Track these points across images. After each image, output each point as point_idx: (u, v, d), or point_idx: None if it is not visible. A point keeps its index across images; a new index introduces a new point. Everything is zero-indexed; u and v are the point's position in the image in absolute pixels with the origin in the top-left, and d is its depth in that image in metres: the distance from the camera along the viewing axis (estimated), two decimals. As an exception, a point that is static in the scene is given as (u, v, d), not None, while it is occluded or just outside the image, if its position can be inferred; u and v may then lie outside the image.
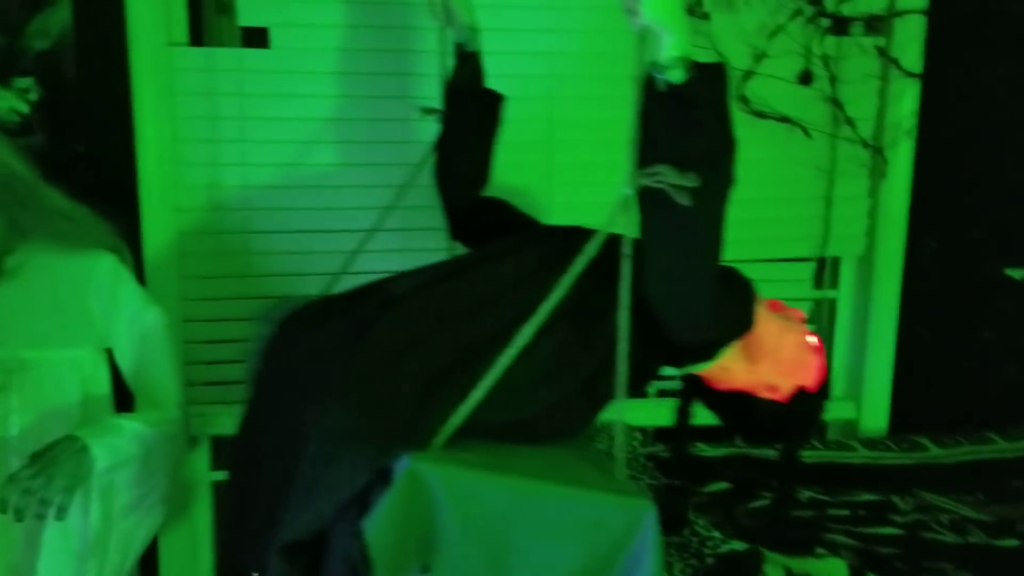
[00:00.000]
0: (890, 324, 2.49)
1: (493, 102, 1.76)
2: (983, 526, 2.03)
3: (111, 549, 1.68)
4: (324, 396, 1.28)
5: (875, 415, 2.53)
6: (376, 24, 2.12)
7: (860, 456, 2.34)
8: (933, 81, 2.36)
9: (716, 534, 1.88)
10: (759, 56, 2.25)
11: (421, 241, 2.16)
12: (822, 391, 1.59)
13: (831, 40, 2.30)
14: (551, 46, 2.21)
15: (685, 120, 1.18)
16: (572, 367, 1.34)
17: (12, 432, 1.69)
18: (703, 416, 1.67)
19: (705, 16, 2.18)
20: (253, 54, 2.10)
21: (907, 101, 2.35)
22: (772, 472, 2.20)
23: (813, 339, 1.58)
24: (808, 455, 2.30)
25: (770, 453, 2.29)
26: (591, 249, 1.23)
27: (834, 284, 2.55)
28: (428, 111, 1.83)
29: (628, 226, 1.23)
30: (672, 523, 1.89)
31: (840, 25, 2.29)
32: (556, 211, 2.25)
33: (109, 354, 1.83)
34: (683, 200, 1.17)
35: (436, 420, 1.23)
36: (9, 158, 1.60)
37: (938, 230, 2.47)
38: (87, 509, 1.60)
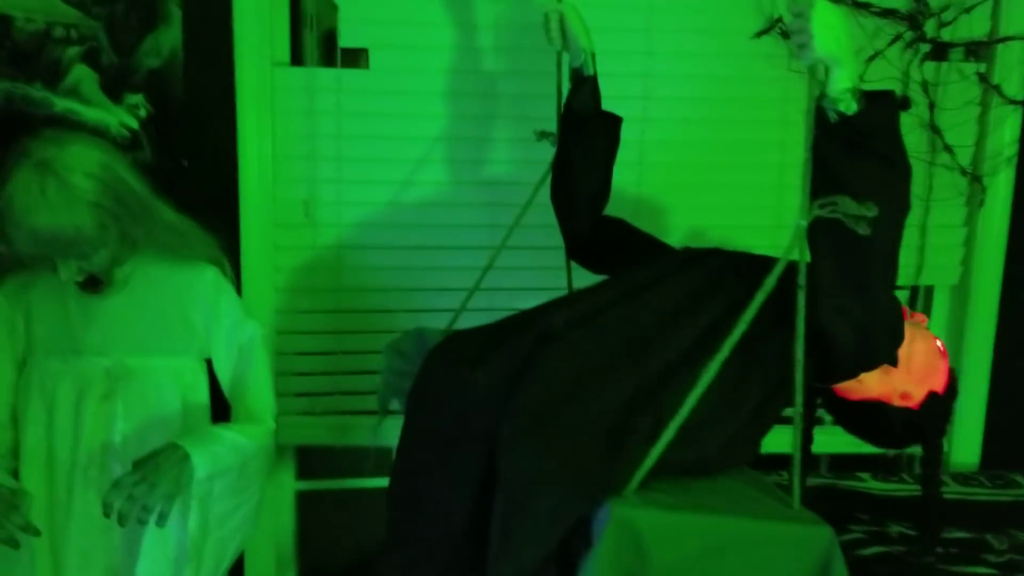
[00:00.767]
0: (984, 355, 2.43)
1: (611, 124, 1.78)
2: (1082, 568, 1.96)
3: (206, 556, 1.71)
4: (504, 442, 1.26)
5: (967, 449, 2.47)
6: (472, 46, 2.14)
7: (951, 491, 2.28)
8: (1036, 108, 2.30)
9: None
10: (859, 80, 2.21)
11: (537, 259, 2.16)
12: (950, 394, 1.58)
13: (930, 66, 2.25)
14: (643, 69, 2.21)
15: (861, 150, 1.18)
16: (743, 398, 1.33)
17: (116, 438, 1.75)
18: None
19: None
20: (352, 74, 2.14)
21: (1008, 128, 2.30)
22: (861, 505, 2.15)
23: (940, 343, 1.58)
24: (899, 489, 2.25)
25: (860, 485, 2.24)
26: (770, 282, 1.22)
27: (927, 313, 2.50)
28: (543, 135, 1.86)
29: (803, 255, 1.24)
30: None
31: (940, 51, 2.25)
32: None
33: (208, 364, 1.88)
34: (863, 230, 1.17)
35: (628, 462, 1.22)
36: (125, 173, 1.65)
37: (1036, 260, 2.41)
38: (186, 516, 1.64)
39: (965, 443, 2.47)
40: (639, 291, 1.46)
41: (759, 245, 1.71)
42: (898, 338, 1.43)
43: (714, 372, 1.22)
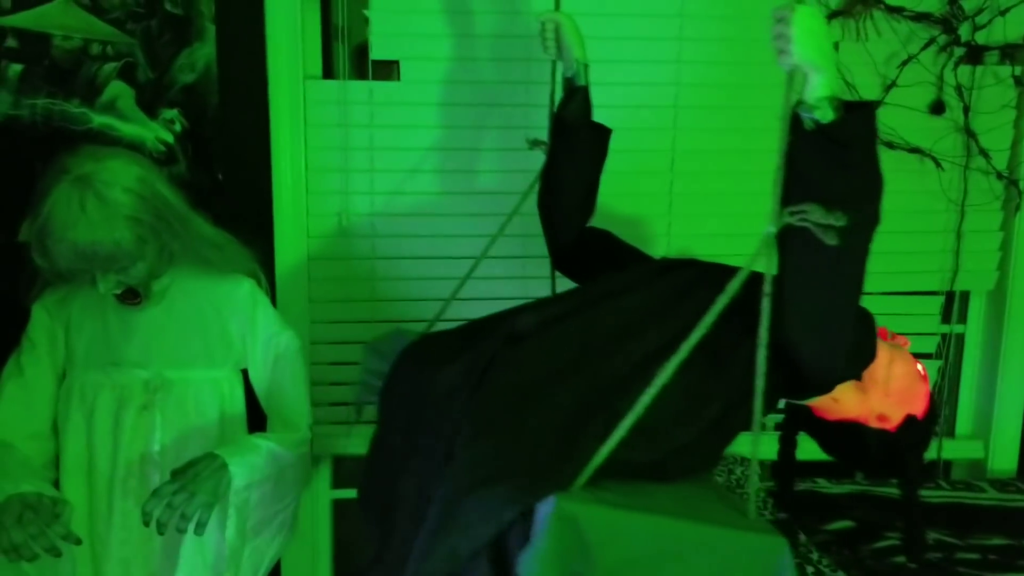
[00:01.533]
0: (1021, 361, 2.41)
1: (600, 135, 1.77)
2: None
3: (244, 564, 1.73)
4: (458, 437, 1.28)
5: (1005, 455, 2.45)
6: (501, 57, 2.16)
7: (989, 498, 2.25)
8: (1072, 111, 2.27)
9: (841, 574, 1.83)
10: (889, 86, 2.20)
11: (532, 268, 2.19)
12: (930, 419, 1.57)
13: (965, 69, 2.24)
14: (674, 77, 2.21)
15: (833, 159, 1.17)
16: (704, 405, 1.33)
17: (154, 448, 1.77)
18: (817, 451, 1.65)
19: (834, 46, 2.15)
20: (383, 87, 2.16)
21: (1045, 132, 2.28)
22: (897, 511, 2.13)
23: (920, 367, 1.57)
24: (935, 495, 2.22)
25: (895, 492, 2.22)
26: (734, 286, 1.21)
27: (963, 319, 2.47)
28: (535, 143, 1.86)
29: (770, 264, 1.22)
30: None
31: (975, 54, 2.23)
32: (674, 241, 2.26)
33: (244, 375, 1.90)
34: (830, 239, 1.16)
35: (576, 460, 1.22)
36: (162, 187, 1.67)
37: (1074, 265, 2.37)
38: (224, 525, 1.65)
39: (1002, 449, 2.44)
40: (608, 297, 1.47)
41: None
42: (863, 353, 1.43)
43: (669, 375, 1.21)
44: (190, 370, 1.81)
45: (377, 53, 2.13)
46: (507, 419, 1.28)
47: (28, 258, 1.62)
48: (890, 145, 2.22)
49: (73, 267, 1.60)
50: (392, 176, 2.18)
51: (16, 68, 1.97)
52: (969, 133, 2.26)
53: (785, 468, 1.92)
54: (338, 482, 2.37)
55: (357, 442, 2.25)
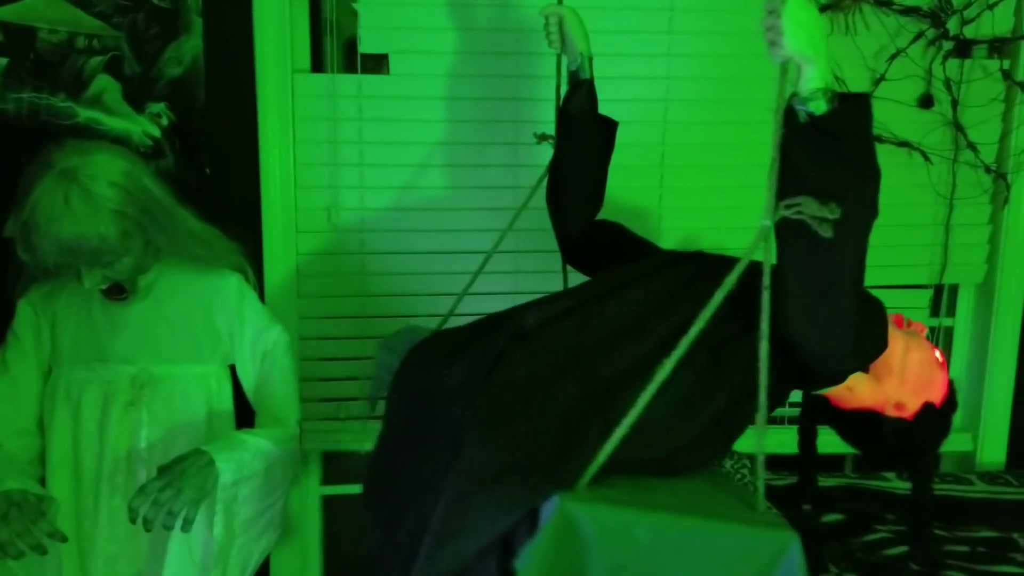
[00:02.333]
0: (1010, 354, 2.41)
1: (606, 128, 1.76)
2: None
3: (232, 561, 1.72)
4: (465, 435, 1.27)
5: (993, 448, 2.45)
6: (493, 51, 2.15)
7: (978, 490, 2.26)
8: (1060, 105, 2.27)
9: (831, 567, 1.84)
10: (878, 80, 2.20)
11: (535, 263, 2.19)
12: (948, 407, 1.57)
13: (954, 63, 2.24)
14: (665, 71, 2.20)
15: (828, 151, 1.16)
16: (707, 400, 1.32)
17: (141, 445, 1.76)
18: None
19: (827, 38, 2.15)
20: (372, 80, 2.14)
21: (1033, 125, 2.28)
22: (888, 505, 2.14)
23: (938, 354, 1.56)
24: (924, 489, 2.23)
25: (885, 485, 2.23)
26: (731, 280, 1.20)
27: (952, 312, 2.48)
28: (542, 137, 1.85)
29: (768, 256, 1.22)
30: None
31: (963, 48, 2.23)
32: (665, 236, 2.25)
33: (232, 370, 1.89)
34: (825, 232, 1.15)
35: (579, 459, 1.22)
36: (149, 181, 1.66)
37: (1062, 257, 2.38)
38: (211, 522, 1.64)
39: (991, 442, 2.45)
40: (611, 292, 1.46)
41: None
42: (873, 343, 1.42)
43: (668, 371, 1.21)
44: (177, 366, 1.80)
45: (366, 47, 2.12)
46: (510, 418, 1.27)
47: (13, 253, 1.61)
48: (879, 139, 2.21)
49: (58, 262, 1.59)
50: (381, 170, 2.17)
51: (1, 62, 1.96)
52: (957, 127, 2.26)
53: (805, 460, 1.90)
54: (327, 478, 2.36)
55: (346, 438, 2.24)
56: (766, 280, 1.20)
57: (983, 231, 2.36)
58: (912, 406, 1.53)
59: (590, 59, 1.72)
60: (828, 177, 1.17)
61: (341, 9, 2.15)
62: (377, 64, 2.16)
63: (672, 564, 1.17)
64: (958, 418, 2.46)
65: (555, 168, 1.81)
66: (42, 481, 1.75)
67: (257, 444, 1.70)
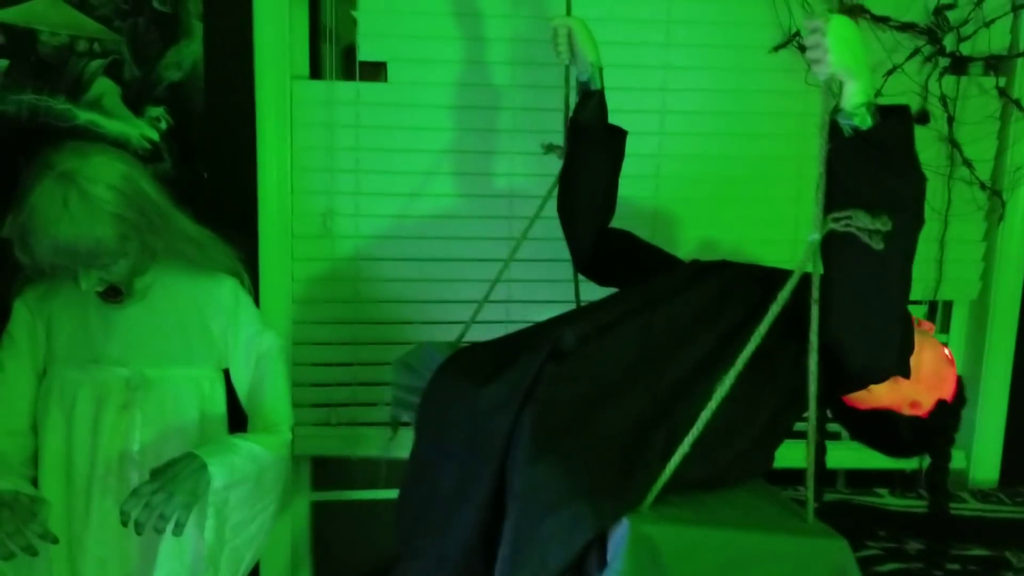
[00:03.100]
0: (1004, 371, 2.41)
1: (616, 138, 1.77)
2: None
3: (222, 566, 1.72)
4: (515, 461, 1.27)
5: (986, 466, 2.45)
6: (489, 60, 2.16)
7: (970, 508, 2.26)
8: (1055, 123, 2.28)
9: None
10: (874, 95, 2.21)
11: (545, 272, 2.19)
12: (959, 401, 1.58)
13: (950, 80, 2.25)
14: (662, 83, 2.21)
15: (875, 164, 1.18)
16: (757, 410, 1.34)
17: (134, 447, 1.76)
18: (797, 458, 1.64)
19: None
20: (370, 87, 2.15)
21: (1028, 143, 2.29)
22: (879, 521, 2.14)
23: (947, 351, 1.58)
24: (916, 505, 2.23)
25: (877, 501, 2.23)
26: (784, 294, 1.21)
27: (945, 328, 2.48)
28: (550, 147, 1.86)
29: (816, 269, 1.24)
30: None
31: (959, 65, 2.24)
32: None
33: (226, 374, 1.89)
34: (876, 244, 1.16)
35: (643, 478, 1.22)
36: (146, 185, 1.67)
37: (1057, 275, 2.39)
38: (202, 526, 1.64)
39: (984, 460, 2.45)
40: (652, 304, 1.45)
41: (775, 258, 1.71)
42: (909, 350, 1.43)
43: (728, 386, 1.21)
44: (171, 368, 1.80)
45: (365, 54, 2.13)
46: (565, 439, 1.26)
47: (9, 254, 1.61)
48: (874, 154, 2.23)
49: (55, 263, 1.59)
50: (377, 177, 2.18)
51: (2, 63, 1.96)
52: (953, 143, 2.27)
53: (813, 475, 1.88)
54: (318, 484, 2.36)
55: (337, 444, 2.24)
56: (815, 293, 1.22)
57: (978, 248, 2.37)
58: (927, 404, 1.54)
59: (600, 69, 1.74)
60: (878, 189, 1.18)
61: (340, 16, 2.16)
62: (375, 72, 2.17)
63: None
64: (950, 434, 2.49)
65: (565, 178, 1.82)
66: (34, 482, 1.74)
67: (249, 448, 1.70)
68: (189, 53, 2.02)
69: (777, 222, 2.27)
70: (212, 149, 2.07)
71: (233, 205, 2.10)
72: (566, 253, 1.88)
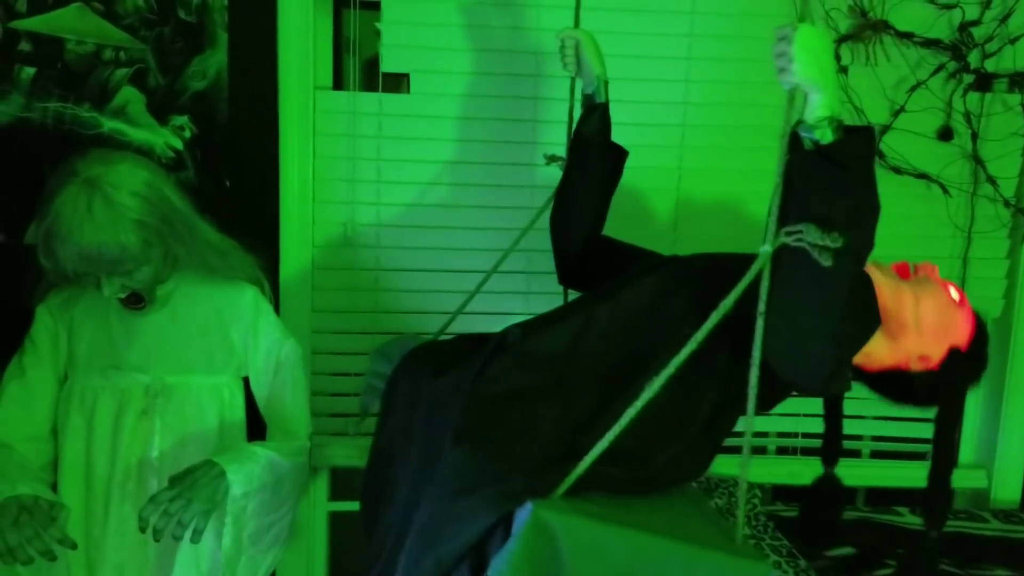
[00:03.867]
0: (1027, 390, 2.39)
1: (615, 155, 1.76)
2: None
3: (239, 574, 1.72)
4: (448, 442, 1.29)
5: (1008, 485, 2.42)
6: (511, 72, 2.16)
7: (992, 528, 2.23)
8: (1081, 141, 2.26)
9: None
10: (897, 111, 2.20)
11: (542, 284, 2.19)
12: (978, 343, 1.49)
13: (974, 96, 2.24)
14: (681, 96, 2.21)
15: (832, 180, 1.15)
16: (694, 414, 1.33)
17: (153, 454, 1.77)
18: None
19: (843, 70, 2.16)
20: (392, 99, 2.16)
21: (1053, 161, 2.27)
22: (898, 539, 2.12)
23: (955, 293, 1.48)
24: (936, 524, 2.20)
25: (896, 520, 2.21)
26: (728, 303, 1.20)
27: (968, 348, 2.46)
28: (552, 159, 1.86)
29: (764, 282, 1.21)
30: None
31: (984, 81, 2.23)
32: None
33: (245, 382, 1.89)
34: (825, 260, 1.14)
35: (560, 469, 1.22)
36: (170, 192, 1.68)
37: (1081, 294, 2.36)
38: (220, 533, 1.65)
39: (1006, 479, 2.42)
40: (600, 299, 1.46)
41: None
42: (843, 375, 1.35)
43: (657, 388, 1.20)
44: (191, 376, 1.81)
45: (387, 65, 2.14)
46: (491, 426, 1.30)
47: (33, 259, 1.62)
48: (897, 170, 2.22)
49: (78, 269, 1.60)
50: (398, 187, 2.19)
51: (29, 71, 1.98)
52: (977, 160, 2.25)
53: (832, 428, 1.71)
54: (336, 494, 2.36)
55: (356, 454, 2.24)
56: (762, 306, 1.20)
57: (1001, 265, 2.35)
58: (937, 355, 1.46)
59: (606, 83, 1.73)
60: (833, 206, 1.15)
61: (363, 28, 2.17)
62: (397, 83, 2.18)
63: None
64: (971, 454, 2.46)
65: (561, 189, 1.82)
66: (54, 487, 1.75)
67: (268, 456, 1.70)
68: (214, 63, 2.04)
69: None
70: (235, 158, 2.08)
71: (255, 214, 2.11)
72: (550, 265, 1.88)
